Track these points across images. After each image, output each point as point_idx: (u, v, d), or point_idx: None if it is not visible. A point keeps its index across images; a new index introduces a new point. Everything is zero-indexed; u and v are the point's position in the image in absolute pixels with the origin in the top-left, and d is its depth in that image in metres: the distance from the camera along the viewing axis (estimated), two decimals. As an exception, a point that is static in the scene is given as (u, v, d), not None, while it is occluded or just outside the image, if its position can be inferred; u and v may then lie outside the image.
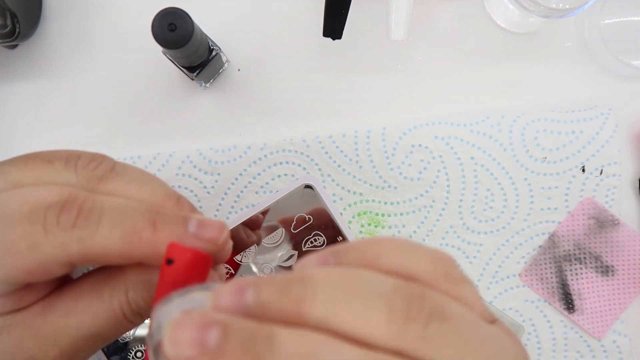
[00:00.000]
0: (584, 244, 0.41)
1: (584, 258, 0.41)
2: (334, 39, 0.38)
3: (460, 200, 0.42)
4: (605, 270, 0.42)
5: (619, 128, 0.41)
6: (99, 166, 0.22)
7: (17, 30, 0.39)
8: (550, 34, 0.43)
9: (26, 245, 0.20)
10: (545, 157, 0.41)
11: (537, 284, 0.42)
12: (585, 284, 0.42)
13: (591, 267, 0.41)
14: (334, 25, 0.37)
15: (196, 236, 0.21)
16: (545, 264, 0.42)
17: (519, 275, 0.42)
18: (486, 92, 0.42)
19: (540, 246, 0.42)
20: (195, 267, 0.20)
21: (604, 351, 0.42)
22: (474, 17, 0.42)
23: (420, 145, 0.41)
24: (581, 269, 0.42)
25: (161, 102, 0.42)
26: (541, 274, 0.42)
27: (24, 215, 0.20)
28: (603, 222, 0.41)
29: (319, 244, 0.42)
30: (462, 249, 0.42)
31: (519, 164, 0.41)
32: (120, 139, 0.43)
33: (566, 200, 0.42)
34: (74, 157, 0.22)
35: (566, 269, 0.42)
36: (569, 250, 0.41)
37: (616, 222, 0.41)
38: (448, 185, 0.42)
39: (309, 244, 0.42)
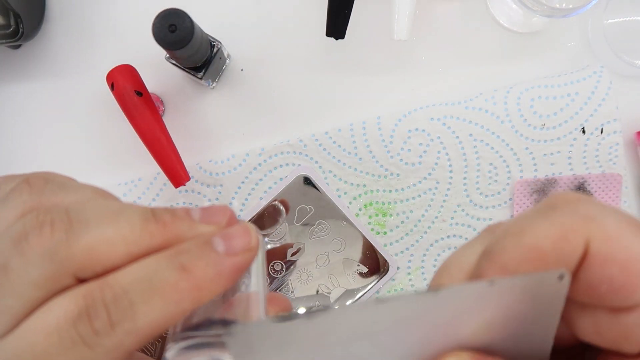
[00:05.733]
0: None
1: None
2: (337, 39, 0.37)
3: (464, 178, 0.42)
4: None
5: (612, 89, 0.40)
6: (55, 230, 0.18)
7: (21, 30, 0.39)
8: (554, 33, 0.42)
9: None
10: (544, 124, 0.41)
11: None
12: None
13: None
14: (337, 25, 0.37)
15: (227, 252, 0.19)
16: None
17: None
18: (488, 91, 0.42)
19: None
20: None
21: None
22: (477, 17, 0.42)
23: (417, 129, 0.41)
24: None
25: (168, 103, 0.43)
26: None
27: (59, 346, 0.17)
28: (543, 190, 0.41)
29: (324, 233, 0.42)
30: (473, 225, 0.42)
31: (519, 134, 0.41)
32: (124, 143, 0.43)
33: (570, 164, 0.41)
34: (18, 238, 0.18)
35: None
36: None
37: (553, 180, 0.41)
38: (450, 165, 0.41)
39: (314, 234, 0.42)
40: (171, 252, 0.18)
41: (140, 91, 0.38)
